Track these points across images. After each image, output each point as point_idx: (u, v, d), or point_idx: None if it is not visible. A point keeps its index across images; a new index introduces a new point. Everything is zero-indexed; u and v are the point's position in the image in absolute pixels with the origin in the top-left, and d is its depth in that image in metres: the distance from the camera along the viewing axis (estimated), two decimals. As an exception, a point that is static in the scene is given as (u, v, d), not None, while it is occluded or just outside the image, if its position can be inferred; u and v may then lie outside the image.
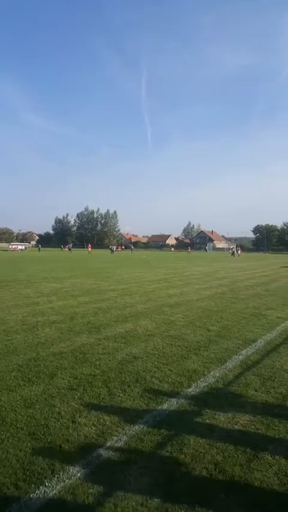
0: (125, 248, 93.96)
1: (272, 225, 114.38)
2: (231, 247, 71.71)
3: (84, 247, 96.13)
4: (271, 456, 2.61)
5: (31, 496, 2.17)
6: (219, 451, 2.66)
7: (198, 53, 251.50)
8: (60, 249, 77.92)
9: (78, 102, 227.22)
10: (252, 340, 5.71)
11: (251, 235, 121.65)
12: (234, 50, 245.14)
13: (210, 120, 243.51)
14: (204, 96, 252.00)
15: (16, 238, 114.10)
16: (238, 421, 3.11)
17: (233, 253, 54.72)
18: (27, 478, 2.33)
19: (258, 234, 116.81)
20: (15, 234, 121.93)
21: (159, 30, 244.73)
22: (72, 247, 70.46)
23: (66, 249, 69.21)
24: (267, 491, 2.26)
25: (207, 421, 3.12)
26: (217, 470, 2.45)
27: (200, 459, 2.57)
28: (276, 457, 2.61)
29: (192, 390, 3.75)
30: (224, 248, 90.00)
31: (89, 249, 66.40)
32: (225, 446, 2.73)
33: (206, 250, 59.78)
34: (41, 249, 74.54)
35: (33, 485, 2.26)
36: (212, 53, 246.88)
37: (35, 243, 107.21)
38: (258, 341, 5.65)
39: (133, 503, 2.14)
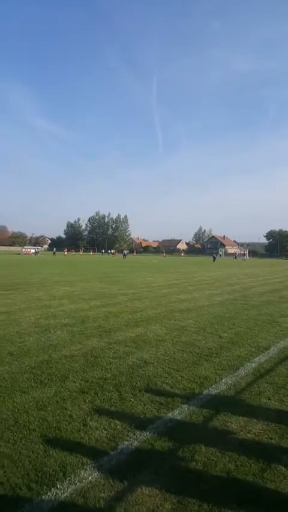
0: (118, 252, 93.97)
1: (285, 231, 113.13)
2: (214, 254, 72.96)
3: (96, 252, 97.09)
4: (285, 467, 2.56)
5: (43, 497, 2.18)
6: (231, 460, 2.63)
7: (207, 58, 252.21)
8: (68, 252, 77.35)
9: (88, 108, 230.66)
10: (265, 347, 5.64)
11: (264, 240, 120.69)
12: (243, 55, 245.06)
13: (220, 125, 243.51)
14: (214, 100, 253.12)
15: (29, 242, 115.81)
16: (251, 430, 3.07)
17: (214, 259, 54.96)
18: (39, 480, 2.34)
19: (271, 240, 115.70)
20: (28, 238, 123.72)
21: (169, 36, 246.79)
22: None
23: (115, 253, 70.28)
24: (281, 503, 2.22)
25: (219, 428, 3.09)
26: (229, 479, 2.42)
27: (212, 467, 2.54)
28: (290, 467, 2.55)
29: (203, 397, 3.71)
30: (236, 253, 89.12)
31: (65, 253, 70.54)
32: (237, 455, 2.70)
33: (215, 256, 59.71)
34: (56, 253, 73.28)
35: (45, 487, 2.27)
36: (221, 58, 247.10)
37: (47, 246, 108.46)
38: (272, 348, 5.58)
39: (144, 509, 2.13)
